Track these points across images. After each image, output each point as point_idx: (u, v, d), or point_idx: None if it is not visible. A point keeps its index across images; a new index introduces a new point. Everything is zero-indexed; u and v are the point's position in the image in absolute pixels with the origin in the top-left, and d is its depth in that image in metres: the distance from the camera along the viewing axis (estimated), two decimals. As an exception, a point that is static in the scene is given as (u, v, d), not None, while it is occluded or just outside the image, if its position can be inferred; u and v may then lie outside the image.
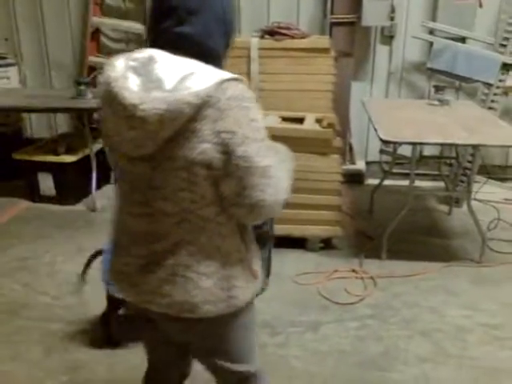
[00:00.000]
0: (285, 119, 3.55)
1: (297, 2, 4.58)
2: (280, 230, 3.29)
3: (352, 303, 2.89)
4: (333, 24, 4.36)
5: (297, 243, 3.42)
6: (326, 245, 3.47)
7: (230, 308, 1.33)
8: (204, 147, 1.15)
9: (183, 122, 1.13)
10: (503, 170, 4.73)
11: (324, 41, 3.72)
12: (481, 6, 4.36)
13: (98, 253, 2.47)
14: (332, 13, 4.36)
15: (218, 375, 1.54)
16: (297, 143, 3.32)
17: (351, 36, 4.40)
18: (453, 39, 4.37)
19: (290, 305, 2.88)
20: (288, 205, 3.64)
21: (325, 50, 3.59)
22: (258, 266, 1.40)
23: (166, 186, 1.21)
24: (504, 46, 4.27)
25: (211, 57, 1.23)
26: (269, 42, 3.65)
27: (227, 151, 1.16)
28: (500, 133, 3.24)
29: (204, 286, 1.28)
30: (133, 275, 1.32)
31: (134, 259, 1.31)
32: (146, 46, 1.24)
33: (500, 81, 4.23)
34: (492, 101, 4.26)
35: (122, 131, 1.17)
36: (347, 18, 4.32)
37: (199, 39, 1.21)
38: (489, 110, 4.07)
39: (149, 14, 1.28)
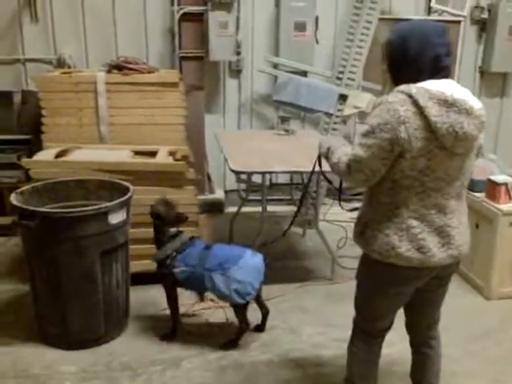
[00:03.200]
0: (137, 153, 3.51)
1: (145, 37, 4.60)
2: (137, 266, 3.22)
3: (214, 334, 2.90)
4: (182, 58, 4.45)
5: (157, 279, 3.35)
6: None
7: None
8: (481, 136, 1.83)
9: None
10: (348, 190, 5.10)
11: (173, 75, 3.77)
12: (317, 42, 4.76)
13: None
14: (180, 48, 4.45)
15: (424, 320, 2.15)
16: (150, 177, 3.33)
17: (200, 70, 4.52)
18: (295, 73, 4.70)
19: (152, 343, 2.81)
20: (143, 240, 3.49)
21: (174, 84, 3.63)
22: None
23: (467, 169, 1.85)
24: (340, 78, 4.70)
25: None
26: (116, 76, 3.60)
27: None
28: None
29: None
30: (450, 237, 1.84)
31: (449, 228, 1.84)
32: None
33: (339, 110, 4.63)
34: (333, 129, 4.63)
35: (469, 135, 1.73)
36: (195, 53, 4.44)
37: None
38: (331, 138, 4.40)
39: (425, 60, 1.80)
